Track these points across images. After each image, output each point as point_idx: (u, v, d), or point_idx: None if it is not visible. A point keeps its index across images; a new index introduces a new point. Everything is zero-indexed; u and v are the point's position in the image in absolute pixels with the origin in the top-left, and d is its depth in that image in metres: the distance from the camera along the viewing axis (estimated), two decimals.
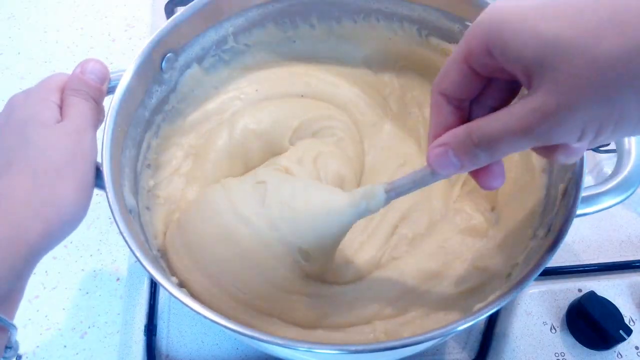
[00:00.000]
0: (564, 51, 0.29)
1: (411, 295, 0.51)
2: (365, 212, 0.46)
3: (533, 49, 0.29)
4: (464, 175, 0.59)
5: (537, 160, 0.53)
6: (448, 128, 0.37)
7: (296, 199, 0.48)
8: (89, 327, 0.61)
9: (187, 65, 0.58)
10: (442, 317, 0.50)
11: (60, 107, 0.47)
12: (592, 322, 0.55)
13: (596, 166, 0.70)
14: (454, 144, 0.35)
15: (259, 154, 0.58)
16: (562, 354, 0.56)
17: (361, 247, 0.54)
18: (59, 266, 0.65)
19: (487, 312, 0.40)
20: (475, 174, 0.39)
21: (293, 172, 0.54)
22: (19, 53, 0.83)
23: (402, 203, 0.55)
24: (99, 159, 0.46)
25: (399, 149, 0.61)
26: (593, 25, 0.28)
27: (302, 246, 0.47)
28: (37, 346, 0.60)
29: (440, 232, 0.55)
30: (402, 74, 0.65)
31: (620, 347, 0.57)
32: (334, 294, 0.51)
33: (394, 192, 0.44)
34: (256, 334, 0.39)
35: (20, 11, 0.87)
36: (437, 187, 0.58)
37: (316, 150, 0.57)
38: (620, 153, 0.49)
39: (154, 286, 0.62)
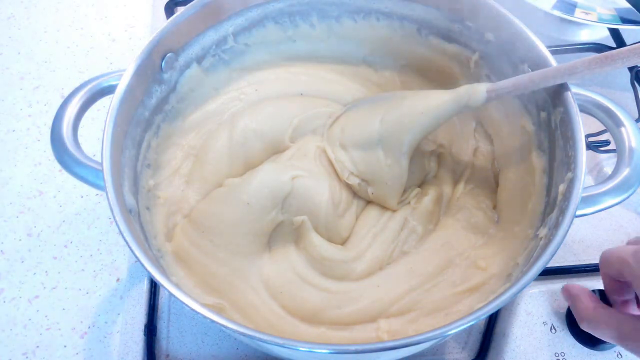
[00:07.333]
0: None
1: (415, 293, 0.51)
2: (464, 107, 0.49)
3: None
4: (468, 172, 0.59)
5: (537, 161, 0.52)
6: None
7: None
8: (89, 327, 0.61)
9: (187, 65, 0.58)
10: (442, 317, 0.50)
11: None
12: None
13: (596, 166, 0.70)
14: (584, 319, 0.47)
15: (259, 154, 0.58)
16: (562, 354, 0.56)
17: (374, 239, 0.54)
18: (59, 266, 0.65)
19: (487, 312, 0.40)
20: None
21: (297, 165, 0.54)
22: (19, 53, 0.83)
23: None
24: (99, 159, 0.46)
25: None
26: None
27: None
28: (37, 346, 0.60)
29: (444, 227, 0.55)
30: (403, 72, 0.65)
31: (620, 347, 0.57)
32: (344, 290, 0.52)
33: (495, 92, 0.47)
34: (256, 334, 0.39)
35: (20, 11, 0.87)
36: (445, 181, 0.59)
37: (318, 145, 0.57)
38: (620, 153, 0.48)
39: (154, 286, 0.62)
